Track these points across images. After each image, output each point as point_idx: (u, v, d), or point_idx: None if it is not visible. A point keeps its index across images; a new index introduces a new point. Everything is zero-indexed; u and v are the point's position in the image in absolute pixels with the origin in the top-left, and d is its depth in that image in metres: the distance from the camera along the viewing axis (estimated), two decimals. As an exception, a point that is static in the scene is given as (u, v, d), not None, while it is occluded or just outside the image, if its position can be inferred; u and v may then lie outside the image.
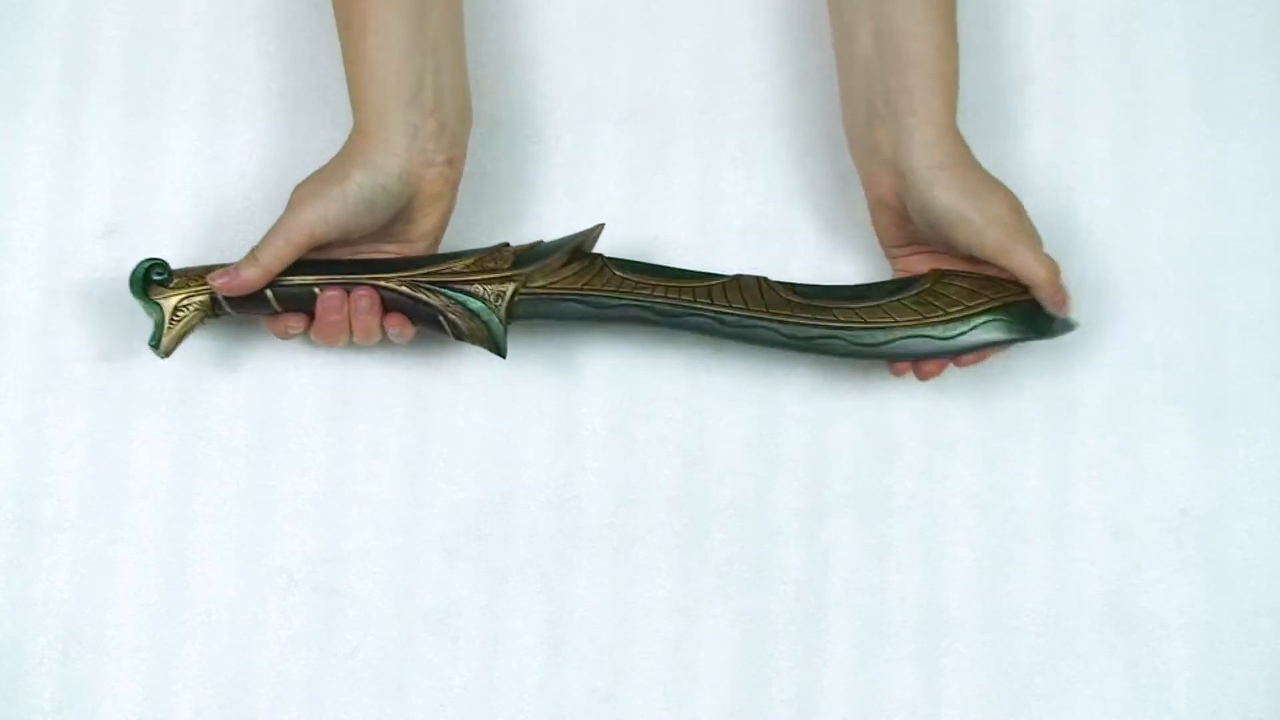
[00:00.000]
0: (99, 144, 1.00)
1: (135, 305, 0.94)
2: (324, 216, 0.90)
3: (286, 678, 0.95)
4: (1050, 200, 1.00)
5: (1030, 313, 0.92)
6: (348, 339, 0.93)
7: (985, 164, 1.00)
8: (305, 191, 0.91)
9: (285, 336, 0.93)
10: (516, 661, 0.95)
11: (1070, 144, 1.01)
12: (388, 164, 0.90)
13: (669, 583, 0.96)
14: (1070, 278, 0.99)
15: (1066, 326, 0.93)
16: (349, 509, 0.97)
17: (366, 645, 0.95)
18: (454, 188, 0.94)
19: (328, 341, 0.93)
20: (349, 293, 0.91)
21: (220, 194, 1.00)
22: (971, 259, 0.93)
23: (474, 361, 0.98)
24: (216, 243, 0.98)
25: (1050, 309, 0.92)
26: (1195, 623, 0.96)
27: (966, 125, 1.01)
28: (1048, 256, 0.91)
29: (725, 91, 1.01)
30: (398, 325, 0.92)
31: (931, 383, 0.98)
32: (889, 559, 0.97)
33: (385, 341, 0.94)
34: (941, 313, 0.92)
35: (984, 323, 0.92)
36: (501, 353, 0.92)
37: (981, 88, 1.02)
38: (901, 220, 0.94)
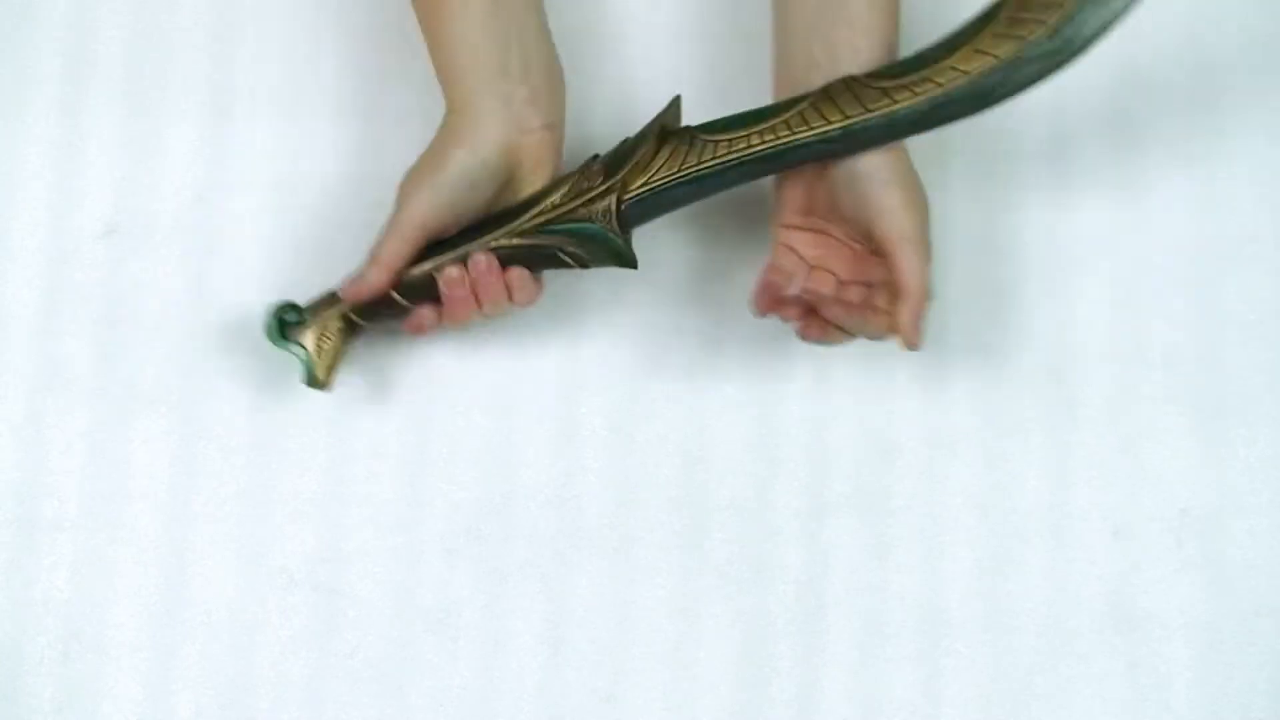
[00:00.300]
0: (99, 144, 1.00)
1: (274, 349, 0.93)
2: (433, 205, 0.89)
3: (286, 678, 0.95)
4: (1050, 201, 1.00)
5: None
6: (478, 311, 0.92)
7: (983, 163, 1.00)
8: (410, 185, 0.91)
9: (424, 332, 0.92)
10: (516, 661, 0.95)
11: (1070, 145, 1.01)
12: (485, 139, 0.90)
13: (669, 583, 0.96)
14: (1071, 277, 0.99)
15: None
16: (349, 509, 0.97)
17: (366, 645, 0.95)
18: (557, 152, 0.93)
19: (459, 320, 0.92)
20: (465, 264, 0.91)
21: (220, 194, 1.00)
22: (863, 237, 0.90)
23: (474, 361, 0.98)
24: (216, 243, 0.98)
25: (907, 332, 0.88)
26: (1195, 623, 0.96)
27: (965, 125, 1.01)
28: (929, 277, 0.88)
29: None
30: (519, 280, 0.91)
31: (932, 383, 0.98)
32: (889, 559, 0.97)
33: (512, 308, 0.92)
34: (1042, 24, 0.86)
35: (1088, 9, 0.86)
36: (632, 264, 0.90)
37: (981, 88, 1.02)
38: (811, 184, 0.92)
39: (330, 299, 0.93)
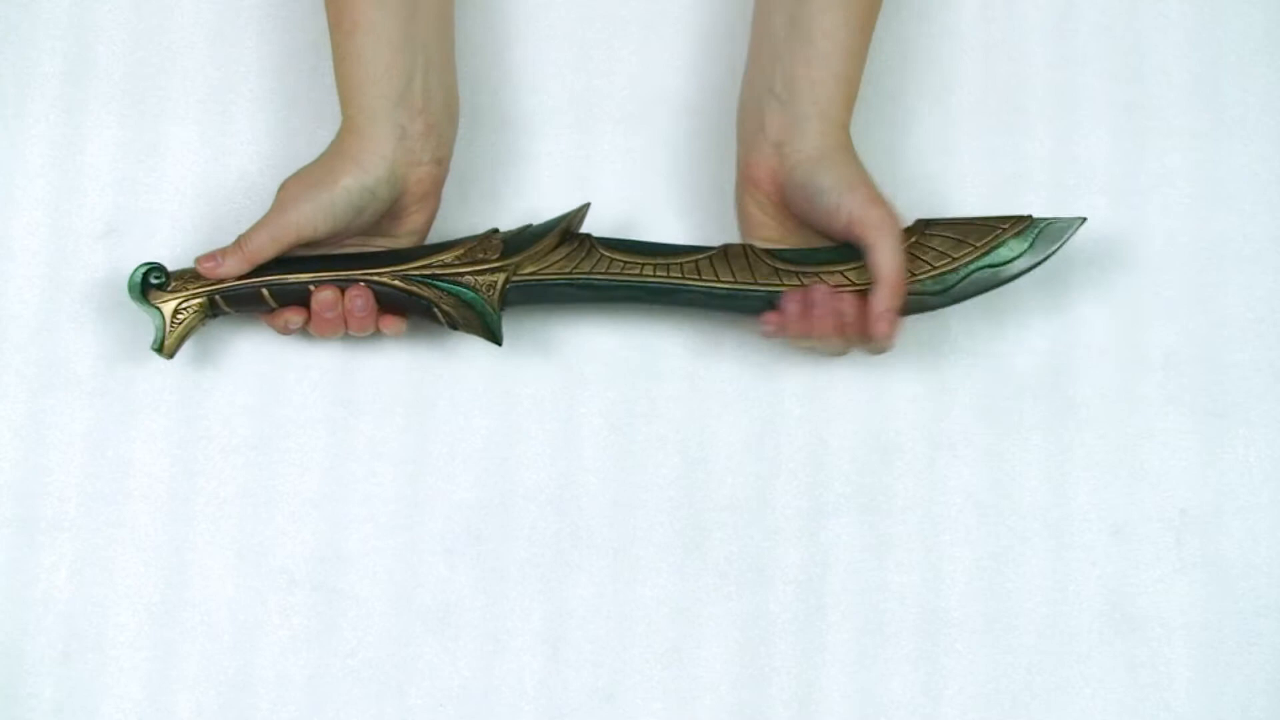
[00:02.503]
0: (99, 144, 1.00)
1: (135, 307, 0.94)
2: (311, 219, 0.91)
3: (286, 678, 0.95)
4: (1050, 200, 1.00)
5: (1015, 247, 0.92)
6: (344, 333, 0.93)
7: (982, 164, 1.00)
8: (293, 192, 0.92)
9: (286, 331, 0.94)
10: (516, 661, 0.95)
11: (1070, 144, 1.01)
12: (376, 167, 0.91)
13: (669, 583, 0.96)
14: (1070, 277, 0.99)
15: (1053, 236, 0.93)
16: (349, 509, 0.97)
17: (366, 645, 0.95)
18: (439, 187, 0.95)
19: (324, 335, 0.94)
20: (343, 292, 0.92)
21: (220, 194, 1.00)
22: (834, 238, 0.93)
23: (474, 362, 0.98)
24: (216, 243, 0.98)
25: (876, 319, 0.90)
26: (1195, 623, 0.96)
27: (967, 125, 1.02)
28: (904, 271, 0.90)
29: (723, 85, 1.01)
30: (392, 325, 0.94)
31: (932, 383, 0.98)
32: (889, 559, 0.97)
33: (379, 334, 0.94)
34: (929, 267, 0.92)
35: (973, 272, 0.92)
36: (498, 340, 0.93)
37: (981, 87, 1.02)
38: (765, 204, 0.94)
39: (199, 275, 0.93)
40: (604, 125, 1.01)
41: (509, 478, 0.97)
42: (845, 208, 0.91)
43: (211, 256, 0.91)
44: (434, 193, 0.94)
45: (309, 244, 0.92)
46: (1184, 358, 0.99)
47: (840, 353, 0.94)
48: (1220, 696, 0.95)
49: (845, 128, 0.94)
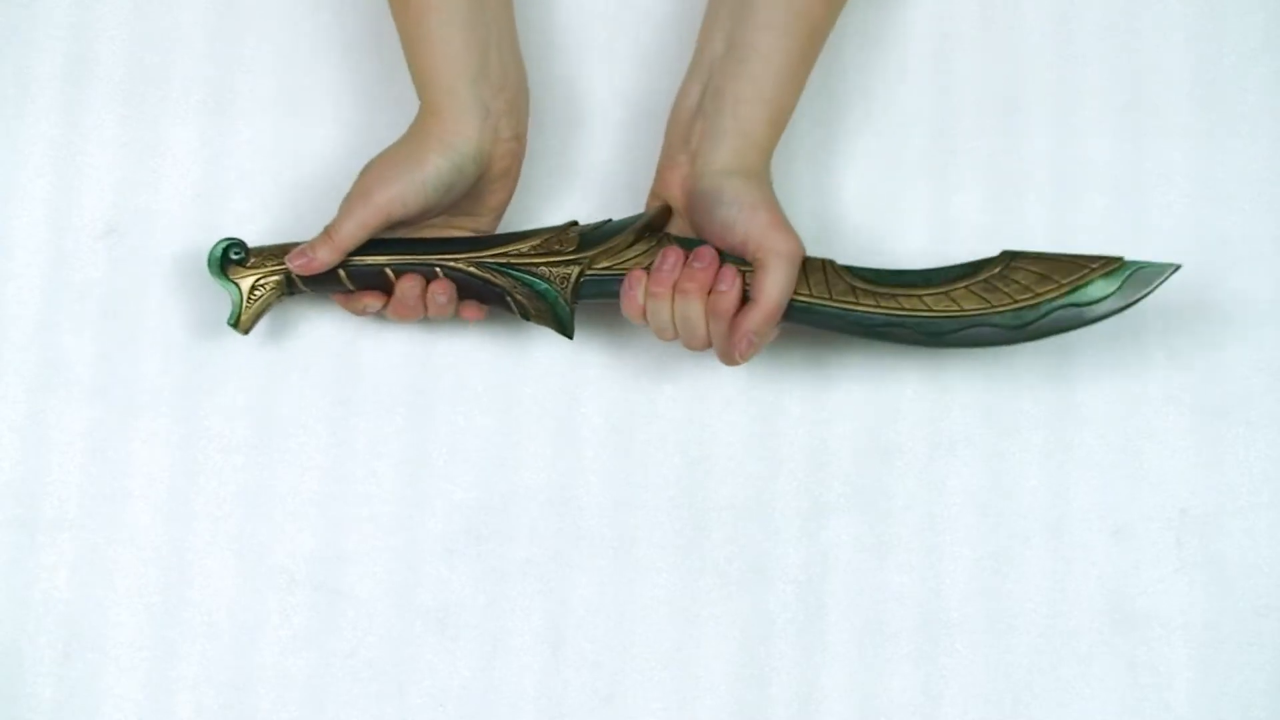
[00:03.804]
0: (99, 144, 1.00)
1: (213, 281, 0.94)
2: (402, 200, 0.91)
3: (286, 678, 0.95)
4: (1050, 200, 1.00)
5: (1103, 288, 0.90)
6: (422, 318, 0.94)
7: (983, 163, 1.00)
8: (379, 174, 0.92)
9: (362, 313, 0.94)
10: (516, 661, 0.95)
11: (1070, 144, 1.01)
12: (464, 145, 0.91)
13: (669, 583, 0.96)
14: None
15: (1131, 293, 0.91)
16: (349, 509, 0.97)
17: (366, 645, 0.95)
18: (519, 163, 0.95)
19: (402, 320, 0.94)
20: (427, 282, 0.92)
21: (220, 194, 1.00)
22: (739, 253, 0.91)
23: (474, 362, 0.98)
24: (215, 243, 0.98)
25: (738, 338, 0.89)
26: (1195, 623, 0.96)
27: (964, 125, 1.01)
28: (785, 302, 0.89)
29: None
30: (472, 312, 0.94)
31: (932, 383, 0.98)
32: (889, 559, 0.97)
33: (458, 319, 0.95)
34: (1010, 299, 0.91)
35: (1055, 310, 0.91)
36: (569, 334, 0.93)
37: (981, 88, 1.02)
38: (686, 209, 0.93)
39: (280, 251, 0.93)
40: (604, 125, 1.01)
41: (509, 478, 0.97)
42: (743, 225, 0.90)
43: (302, 252, 0.92)
44: (515, 169, 0.94)
45: (395, 225, 0.92)
46: (1184, 358, 0.99)
47: (697, 344, 0.91)
48: (1220, 696, 0.95)
49: (764, 151, 0.93)
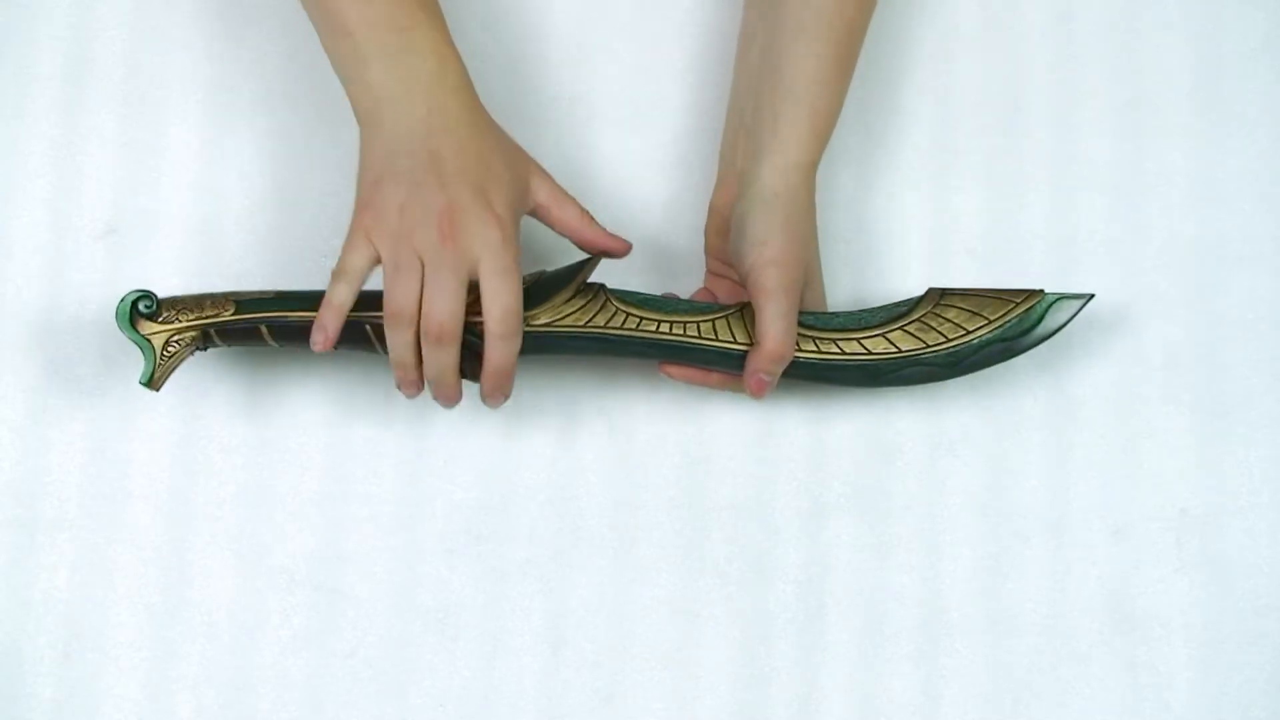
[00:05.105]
0: (99, 144, 1.00)
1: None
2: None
3: (286, 678, 0.95)
4: (1050, 200, 1.00)
5: (1026, 321, 0.93)
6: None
7: (983, 163, 1.00)
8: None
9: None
10: (516, 661, 0.95)
11: (1070, 144, 1.01)
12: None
13: (669, 583, 0.96)
14: (1071, 277, 0.99)
15: (1050, 329, 0.93)
16: (349, 509, 0.97)
17: (366, 645, 0.95)
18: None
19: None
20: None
21: (220, 194, 1.00)
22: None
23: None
24: (216, 243, 0.98)
25: (748, 378, 0.90)
26: (1195, 623, 0.96)
27: (967, 125, 1.01)
28: (789, 338, 0.89)
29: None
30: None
31: (932, 384, 0.98)
32: (889, 559, 0.97)
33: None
34: (944, 339, 0.92)
35: (985, 345, 0.92)
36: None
37: (982, 88, 1.02)
38: (724, 232, 0.94)
39: (193, 302, 0.90)
40: (604, 125, 1.01)
41: (509, 478, 0.97)
42: (749, 259, 0.90)
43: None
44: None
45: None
46: (1184, 358, 0.99)
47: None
48: (1220, 696, 0.95)
49: (804, 168, 0.91)
